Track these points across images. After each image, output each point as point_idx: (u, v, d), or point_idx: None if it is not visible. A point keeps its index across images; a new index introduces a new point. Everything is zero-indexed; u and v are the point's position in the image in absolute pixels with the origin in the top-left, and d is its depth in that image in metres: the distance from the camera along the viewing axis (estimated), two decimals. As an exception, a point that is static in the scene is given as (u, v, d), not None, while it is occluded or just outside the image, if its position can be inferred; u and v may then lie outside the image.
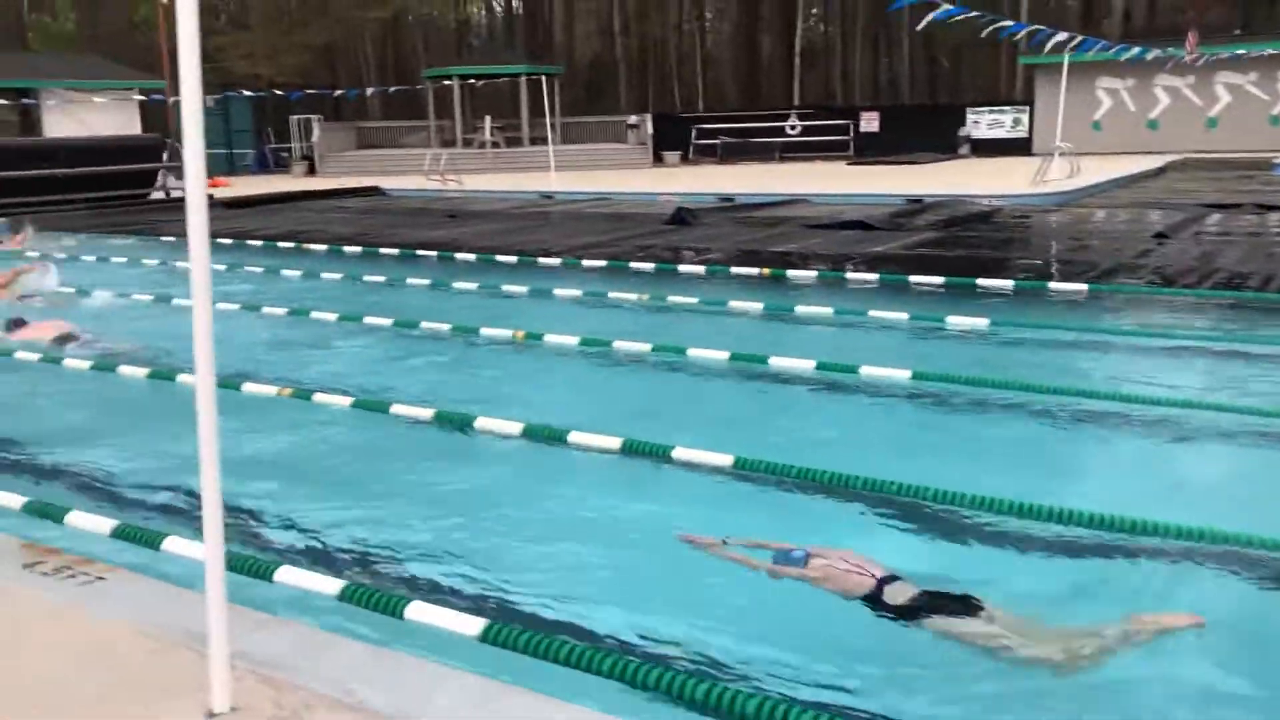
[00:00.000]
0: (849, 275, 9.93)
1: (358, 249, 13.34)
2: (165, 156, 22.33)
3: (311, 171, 30.82)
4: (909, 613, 3.40)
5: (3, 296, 10.66)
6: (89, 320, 9.39)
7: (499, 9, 51.57)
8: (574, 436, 5.25)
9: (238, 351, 7.76)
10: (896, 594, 3.46)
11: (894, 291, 9.28)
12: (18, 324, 8.84)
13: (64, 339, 8.44)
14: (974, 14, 9.52)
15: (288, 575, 3.59)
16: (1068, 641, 3.27)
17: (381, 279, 11.00)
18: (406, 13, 40.12)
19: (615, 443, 5.12)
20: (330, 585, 3.49)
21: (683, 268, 10.81)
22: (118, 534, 4.06)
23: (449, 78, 32.50)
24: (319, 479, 5.10)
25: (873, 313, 8.16)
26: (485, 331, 7.97)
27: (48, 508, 4.35)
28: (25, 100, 24.16)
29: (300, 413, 6.00)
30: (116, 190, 20.76)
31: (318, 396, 6.13)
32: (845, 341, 7.75)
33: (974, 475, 4.56)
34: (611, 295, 9.36)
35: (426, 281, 10.71)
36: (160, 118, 29.42)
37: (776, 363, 6.66)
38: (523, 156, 31.01)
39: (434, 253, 12.69)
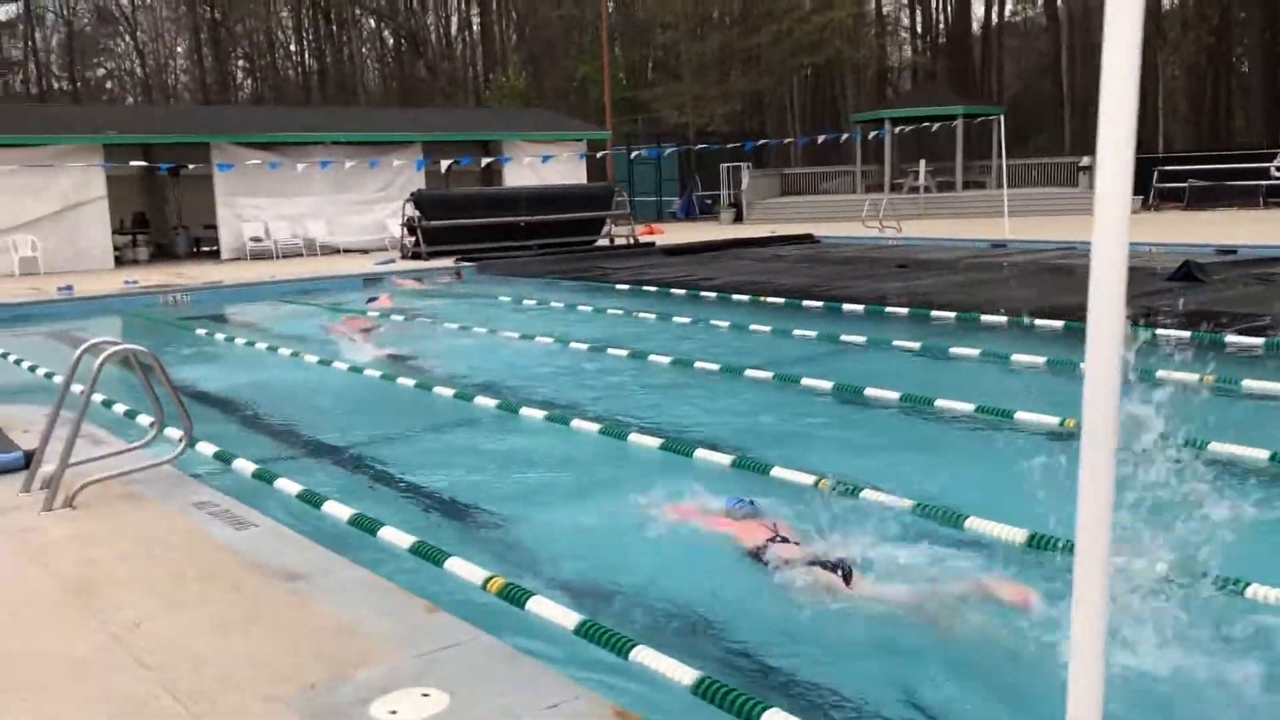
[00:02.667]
0: None
1: (817, 303, 12.48)
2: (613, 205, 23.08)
3: (739, 218, 30.95)
4: (777, 570, 4.20)
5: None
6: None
7: (925, 50, 49.89)
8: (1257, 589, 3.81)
9: (744, 428, 7.03)
10: (774, 556, 4.29)
11: None
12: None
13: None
14: None
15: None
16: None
17: (859, 339, 9.99)
18: (839, 58, 39.49)
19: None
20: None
21: (1231, 338, 8.85)
22: (698, 689, 3.20)
23: (879, 121, 31.46)
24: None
25: None
26: (1022, 415, 6.65)
27: (604, 635, 3.62)
28: (500, 158, 26.02)
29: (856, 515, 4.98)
30: (569, 237, 21.65)
31: (868, 493, 5.10)
32: None
33: None
34: (1162, 375, 7.64)
35: (914, 344, 9.55)
36: (601, 168, 30.87)
37: None
38: (956, 201, 29.22)
39: (904, 309, 11.55)
